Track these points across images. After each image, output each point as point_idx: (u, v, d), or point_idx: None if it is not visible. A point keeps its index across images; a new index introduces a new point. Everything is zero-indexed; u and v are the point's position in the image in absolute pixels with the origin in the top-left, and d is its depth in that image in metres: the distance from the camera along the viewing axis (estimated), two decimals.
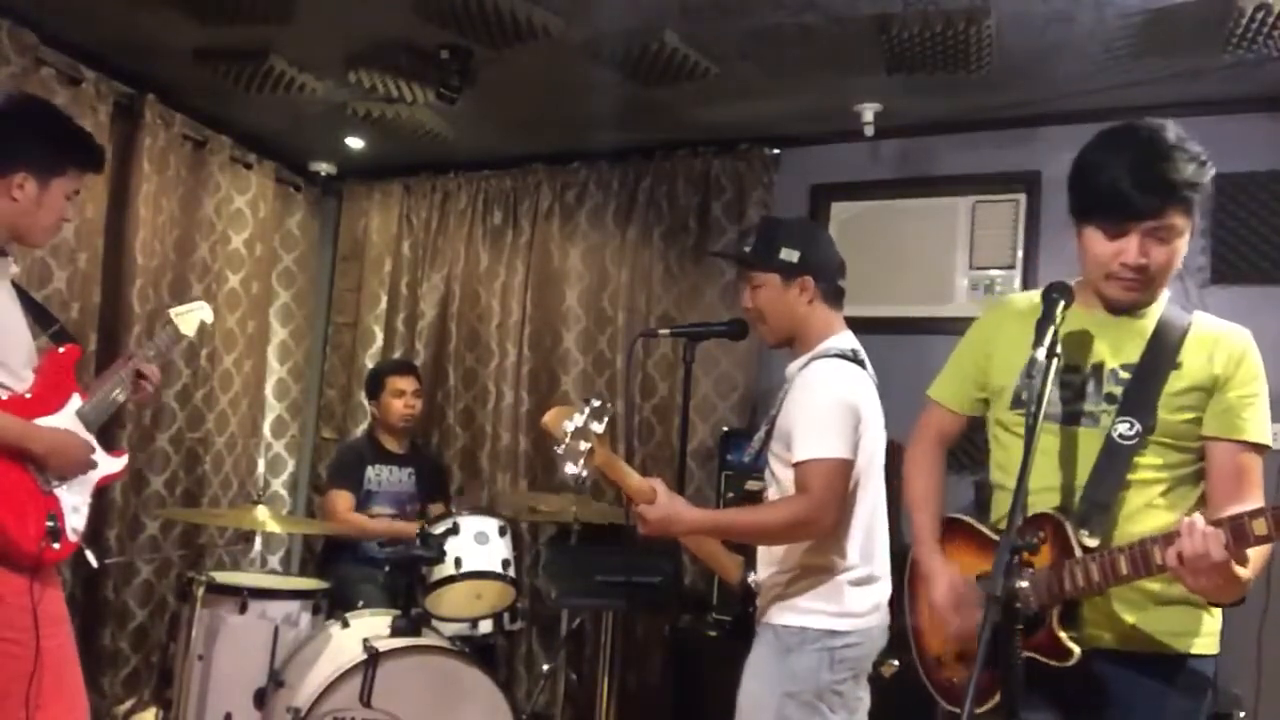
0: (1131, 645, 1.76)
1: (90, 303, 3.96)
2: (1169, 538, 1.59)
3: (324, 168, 5.14)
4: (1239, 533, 1.52)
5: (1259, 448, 1.77)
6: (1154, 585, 1.74)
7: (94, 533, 2.63)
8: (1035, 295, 2.02)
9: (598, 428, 2.21)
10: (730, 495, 3.77)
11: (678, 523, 2.25)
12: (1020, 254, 3.91)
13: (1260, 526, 1.50)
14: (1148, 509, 1.76)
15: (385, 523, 4.08)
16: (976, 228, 4.00)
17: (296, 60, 3.89)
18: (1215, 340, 1.80)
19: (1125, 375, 1.81)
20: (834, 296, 2.44)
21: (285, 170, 5.03)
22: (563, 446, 2.22)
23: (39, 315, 2.46)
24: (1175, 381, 1.78)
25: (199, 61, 3.93)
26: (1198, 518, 1.56)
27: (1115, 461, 1.77)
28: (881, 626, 2.32)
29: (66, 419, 2.36)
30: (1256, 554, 1.61)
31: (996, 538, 1.90)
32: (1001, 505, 1.95)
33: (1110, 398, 1.81)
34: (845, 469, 2.22)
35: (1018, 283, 3.89)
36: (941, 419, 2.12)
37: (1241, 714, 3.10)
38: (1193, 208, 1.75)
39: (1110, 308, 1.86)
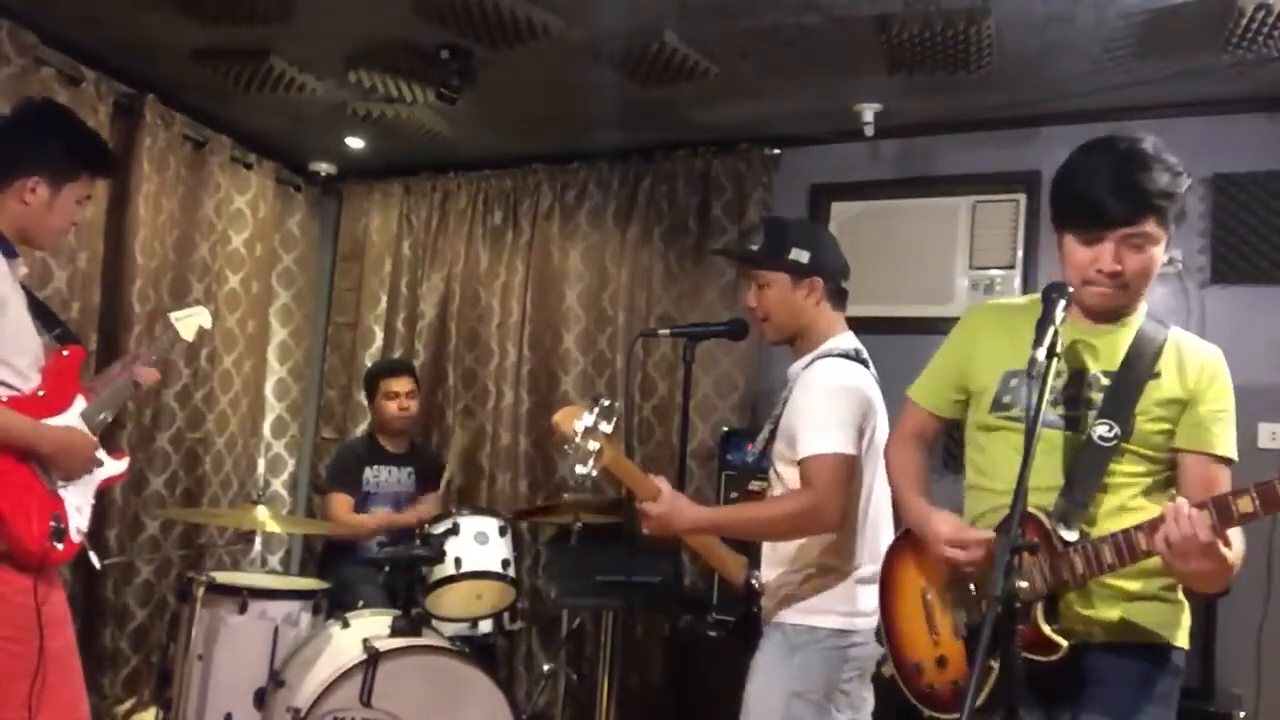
0: (1115, 637, 1.79)
1: (90, 303, 3.96)
2: (1154, 524, 1.61)
3: (324, 168, 5.14)
4: (1224, 512, 1.55)
5: (1227, 461, 1.82)
6: (1126, 583, 1.78)
7: (94, 533, 2.62)
8: (1017, 299, 2.08)
9: (606, 427, 2.23)
10: (734, 495, 3.78)
11: (680, 520, 2.26)
12: (1020, 254, 3.91)
13: (1245, 504, 1.53)
14: (1123, 510, 1.79)
15: (383, 515, 4.08)
16: (976, 228, 4.00)
17: (296, 60, 3.89)
18: (1191, 357, 1.85)
19: (1105, 381, 1.85)
20: (838, 298, 2.45)
21: (285, 170, 5.03)
22: (573, 446, 2.23)
23: (43, 316, 2.46)
24: (1153, 391, 1.82)
25: (199, 61, 3.93)
26: (1183, 502, 1.59)
27: (1094, 462, 1.81)
28: None
29: (71, 420, 2.37)
30: (1238, 544, 1.64)
31: None
32: (976, 505, 1.97)
33: (1089, 403, 1.84)
34: (849, 464, 2.22)
35: (1017, 283, 3.90)
36: (919, 419, 2.13)
37: (1241, 714, 3.09)
38: (1167, 217, 1.79)
39: (1090, 315, 1.89)
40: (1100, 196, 1.78)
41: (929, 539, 1.90)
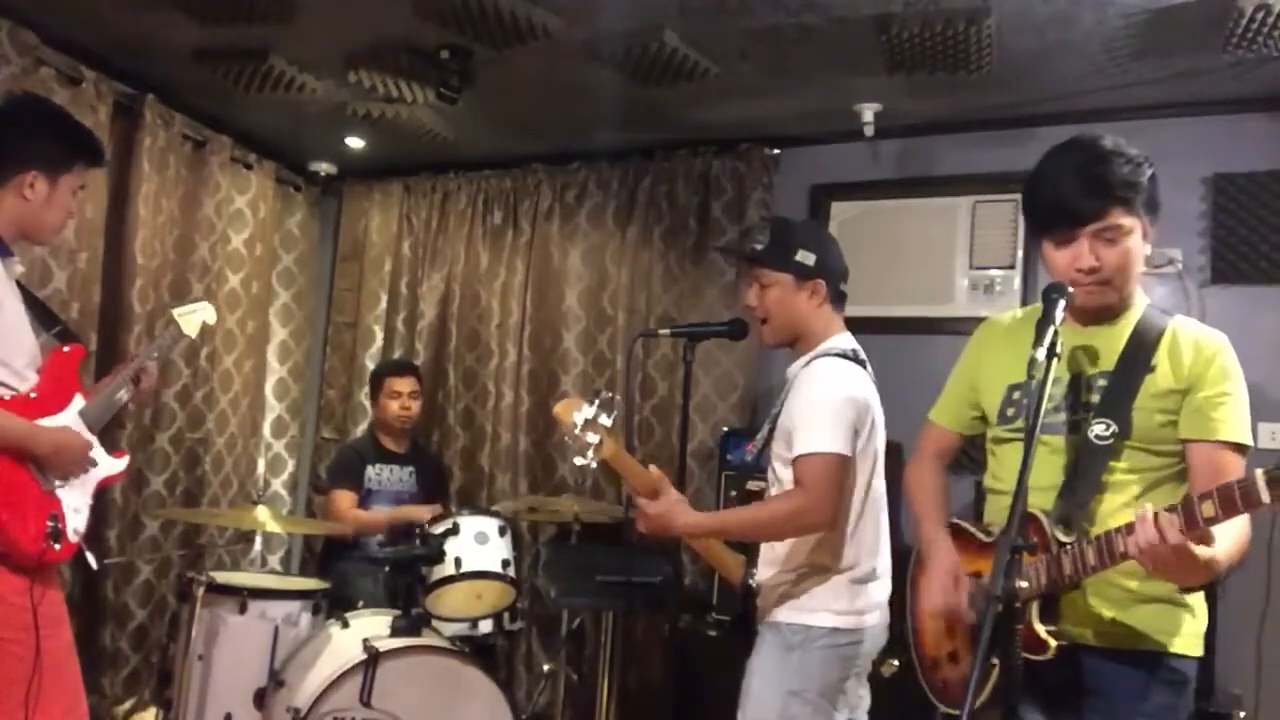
0: (1111, 641, 1.79)
1: (90, 303, 3.96)
2: (1130, 527, 1.61)
3: (324, 168, 5.14)
4: (1189, 516, 1.54)
5: (1237, 446, 1.78)
6: (1134, 583, 1.78)
7: (94, 533, 2.62)
8: (1019, 312, 2.10)
9: (606, 420, 2.23)
10: (733, 494, 3.78)
11: (675, 524, 2.26)
12: (1020, 254, 3.91)
13: (1208, 508, 1.52)
14: (1125, 509, 1.78)
15: (391, 511, 4.08)
16: (976, 228, 4.00)
17: (296, 60, 3.89)
18: (1186, 344, 1.83)
19: (1102, 382, 1.85)
20: (838, 300, 2.46)
21: (285, 170, 5.03)
22: (572, 437, 2.24)
23: (42, 315, 2.47)
24: (1150, 385, 1.81)
25: (199, 61, 3.93)
26: (1148, 507, 1.59)
27: (1092, 462, 1.81)
28: (882, 625, 2.32)
29: (69, 419, 2.37)
30: (1232, 536, 1.63)
31: (987, 539, 1.95)
32: (992, 507, 2.01)
33: (1089, 405, 1.85)
34: (842, 464, 2.23)
35: (1017, 283, 3.90)
36: (941, 437, 2.19)
37: (1242, 714, 3.09)
38: (1135, 206, 1.80)
39: (1083, 317, 1.90)
40: (1064, 196, 1.80)
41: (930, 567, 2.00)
